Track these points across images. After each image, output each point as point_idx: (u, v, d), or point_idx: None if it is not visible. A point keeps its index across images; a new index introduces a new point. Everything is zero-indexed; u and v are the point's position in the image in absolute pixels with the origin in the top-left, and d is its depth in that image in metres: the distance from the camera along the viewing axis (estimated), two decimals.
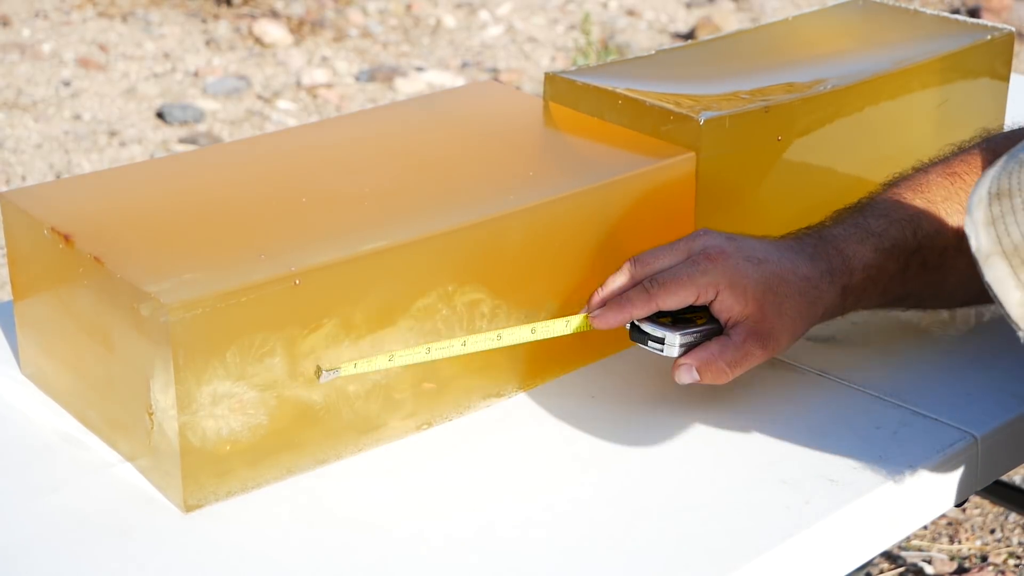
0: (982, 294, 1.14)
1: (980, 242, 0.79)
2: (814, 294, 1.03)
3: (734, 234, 1.04)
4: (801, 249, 1.05)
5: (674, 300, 1.00)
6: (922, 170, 1.13)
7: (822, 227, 1.08)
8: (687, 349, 1.01)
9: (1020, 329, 0.78)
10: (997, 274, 0.79)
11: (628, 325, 1.02)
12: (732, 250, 1.02)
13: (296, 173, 1.12)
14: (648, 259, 1.03)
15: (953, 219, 1.08)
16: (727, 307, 1.00)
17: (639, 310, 1.01)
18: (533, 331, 1.02)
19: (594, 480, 0.98)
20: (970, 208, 0.81)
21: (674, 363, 1.01)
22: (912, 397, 1.08)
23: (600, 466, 1.00)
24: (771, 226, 1.18)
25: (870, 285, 1.07)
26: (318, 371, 0.96)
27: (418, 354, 0.99)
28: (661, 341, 1.01)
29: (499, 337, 1.02)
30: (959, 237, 1.07)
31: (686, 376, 1.00)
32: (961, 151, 1.14)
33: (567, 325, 1.03)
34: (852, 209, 1.10)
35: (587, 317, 1.02)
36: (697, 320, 1.02)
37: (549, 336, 1.03)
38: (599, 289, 1.03)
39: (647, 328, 1.01)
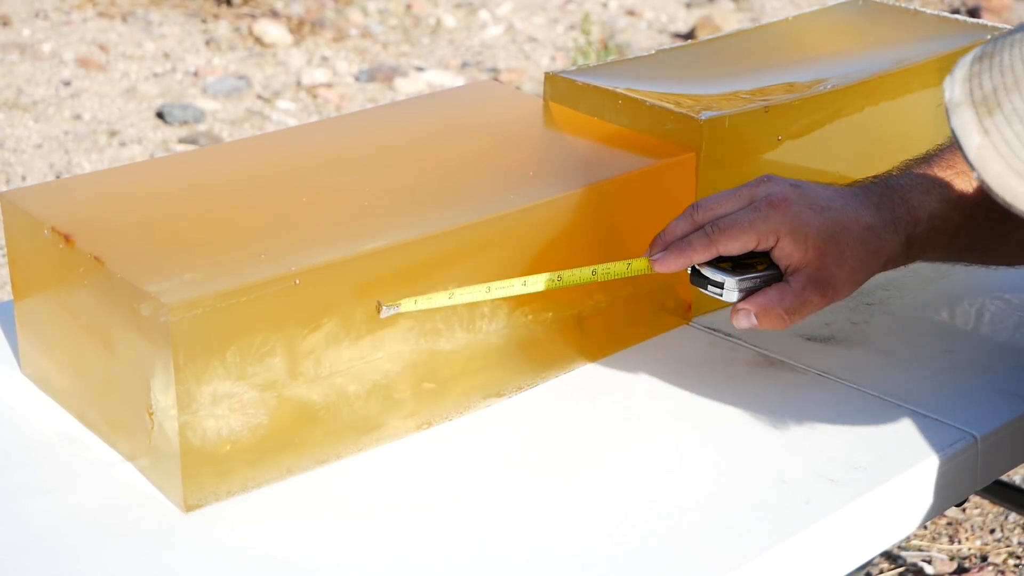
0: None
1: (954, 93, 0.83)
2: (876, 243, 1.03)
3: (799, 180, 1.04)
4: (866, 197, 1.05)
5: (735, 246, 1.01)
6: None
7: (888, 176, 1.08)
8: (746, 294, 1.01)
9: (975, 170, 0.81)
10: (962, 120, 0.82)
11: (689, 269, 1.03)
12: (795, 197, 1.02)
13: (296, 173, 1.12)
14: (710, 205, 1.03)
15: None
16: (787, 254, 1.01)
17: (700, 255, 1.02)
18: (594, 272, 1.04)
19: (593, 480, 0.98)
20: (954, 69, 0.84)
21: (732, 308, 1.02)
22: (912, 397, 1.08)
23: (599, 466, 1.00)
24: None
25: (935, 235, 1.06)
26: (378, 306, 0.97)
27: (478, 292, 1.01)
28: (720, 286, 1.02)
29: (561, 277, 1.03)
30: None
31: (744, 321, 1.01)
32: None
33: (628, 268, 1.04)
34: (920, 159, 1.10)
35: (649, 260, 1.03)
36: (757, 266, 1.02)
37: (608, 278, 1.04)
38: (660, 233, 1.04)
39: (707, 272, 1.02)
